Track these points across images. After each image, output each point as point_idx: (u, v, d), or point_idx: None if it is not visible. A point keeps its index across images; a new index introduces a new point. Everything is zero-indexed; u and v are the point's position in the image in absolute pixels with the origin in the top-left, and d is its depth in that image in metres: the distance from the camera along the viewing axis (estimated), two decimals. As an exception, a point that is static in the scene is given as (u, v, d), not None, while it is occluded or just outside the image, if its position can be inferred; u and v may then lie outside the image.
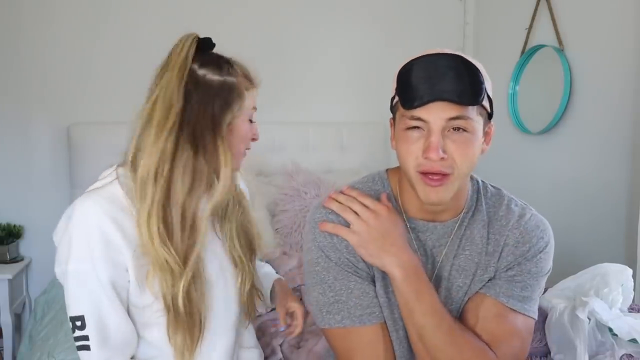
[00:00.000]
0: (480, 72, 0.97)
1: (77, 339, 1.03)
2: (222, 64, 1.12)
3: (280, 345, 1.45)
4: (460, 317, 1.09)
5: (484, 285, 1.07)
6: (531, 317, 1.06)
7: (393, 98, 1.02)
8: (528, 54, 2.61)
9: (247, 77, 1.15)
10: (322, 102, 2.83)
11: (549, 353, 1.39)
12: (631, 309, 1.53)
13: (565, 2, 2.44)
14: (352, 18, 2.85)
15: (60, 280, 1.07)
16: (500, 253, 1.08)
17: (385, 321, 1.05)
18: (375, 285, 1.05)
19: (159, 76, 1.08)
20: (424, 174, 0.96)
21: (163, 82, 1.06)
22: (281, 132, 2.69)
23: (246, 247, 1.20)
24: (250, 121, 1.16)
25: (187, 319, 1.07)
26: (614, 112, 2.25)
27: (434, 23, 3.02)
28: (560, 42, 2.43)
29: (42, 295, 2.15)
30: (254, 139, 1.18)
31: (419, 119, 0.95)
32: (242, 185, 1.30)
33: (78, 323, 1.03)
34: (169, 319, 1.06)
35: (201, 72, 1.08)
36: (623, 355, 1.31)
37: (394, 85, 1.00)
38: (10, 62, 2.38)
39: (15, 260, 2.36)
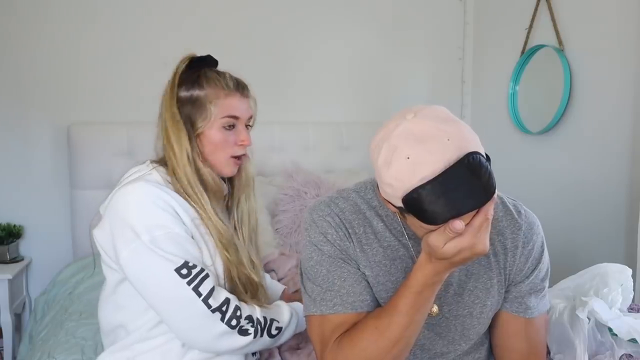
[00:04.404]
0: (482, 156, 0.87)
1: (194, 278, 1.15)
2: (194, 79, 1.28)
3: (279, 348, 1.44)
4: (489, 332, 1.17)
5: (506, 300, 1.13)
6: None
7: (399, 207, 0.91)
8: (528, 54, 2.61)
9: (223, 87, 1.27)
10: (322, 102, 2.83)
11: (549, 353, 1.39)
12: (631, 309, 1.53)
13: (565, 2, 2.44)
14: (352, 18, 2.85)
15: (127, 261, 1.15)
16: (512, 255, 1.10)
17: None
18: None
19: (165, 92, 1.28)
20: None
21: (165, 101, 1.28)
22: (281, 132, 2.69)
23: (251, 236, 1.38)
24: (227, 128, 1.27)
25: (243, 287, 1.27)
26: (614, 112, 2.25)
27: (434, 23, 3.02)
28: (560, 42, 2.43)
29: (42, 295, 2.16)
30: (242, 144, 1.30)
31: None
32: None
33: (184, 271, 1.15)
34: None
35: (179, 90, 1.27)
36: (623, 355, 1.31)
37: (398, 202, 0.89)
38: (10, 62, 2.38)
39: (15, 260, 2.36)
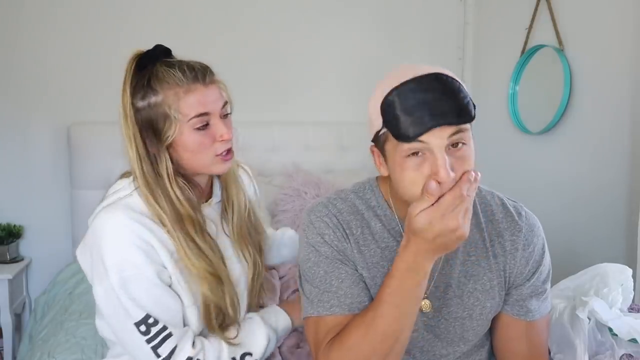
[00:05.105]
0: (462, 85, 0.96)
1: (154, 336, 1.07)
2: (145, 83, 1.12)
3: (279, 348, 1.44)
4: (489, 334, 1.16)
5: (507, 303, 1.12)
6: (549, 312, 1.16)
7: (379, 131, 0.97)
8: (528, 54, 2.61)
9: (178, 83, 1.11)
10: (322, 102, 2.83)
11: (549, 353, 1.39)
12: (631, 309, 1.53)
13: (565, 2, 2.44)
14: (352, 18, 2.85)
15: (100, 297, 1.10)
16: (512, 258, 1.10)
17: None
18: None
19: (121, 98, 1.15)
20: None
21: (121, 109, 1.15)
22: (281, 132, 2.69)
23: (256, 244, 1.30)
24: (200, 128, 1.12)
25: (221, 318, 1.17)
26: (614, 112, 2.25)
27: (434, 23, 3.02)
28: (560, 42, 2.43)
29: (42, 295, 2.16)
30: (223, 140, 1.14)
31: (418, 146, 0.91)
32: (247, 182, 1.36)
33: (143, 328, 1.07)
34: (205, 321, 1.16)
35: (134, 100, 1.13)
36: (623, 355, 1.31)
37: (378, 117, 0.96)
38: (11, 62, 2.38)
39: (15, 260, 2.36)
